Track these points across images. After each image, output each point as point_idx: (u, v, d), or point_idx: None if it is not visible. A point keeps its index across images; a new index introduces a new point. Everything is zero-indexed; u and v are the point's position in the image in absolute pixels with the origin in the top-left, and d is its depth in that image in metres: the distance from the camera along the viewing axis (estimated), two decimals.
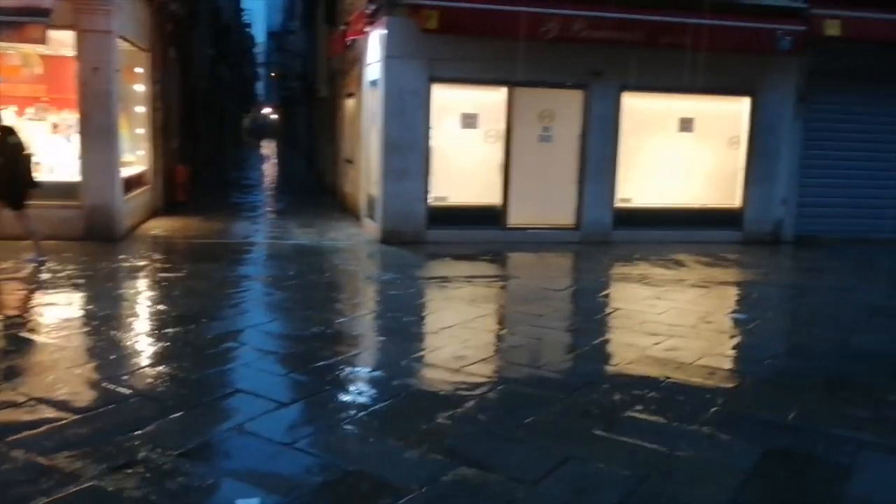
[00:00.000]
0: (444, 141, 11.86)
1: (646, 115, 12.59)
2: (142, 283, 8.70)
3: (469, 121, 12.04)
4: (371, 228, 12.50)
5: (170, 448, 4.14)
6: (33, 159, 9.47)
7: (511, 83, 11.82)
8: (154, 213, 13.97)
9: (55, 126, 11.27)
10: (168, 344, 6.19)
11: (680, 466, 4.17)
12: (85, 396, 4.95)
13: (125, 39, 11.69)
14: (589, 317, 8.00)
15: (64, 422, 4.47)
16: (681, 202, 12.89)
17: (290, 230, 13.18)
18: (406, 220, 11.68)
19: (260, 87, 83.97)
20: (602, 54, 11.70)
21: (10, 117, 10.30)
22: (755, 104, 12.73)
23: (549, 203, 12.38)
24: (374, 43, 12.20)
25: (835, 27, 11.87)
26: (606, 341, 6.98)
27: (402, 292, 8.68)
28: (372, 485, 3.87)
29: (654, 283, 9.37)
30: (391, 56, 11.33)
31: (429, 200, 11.79)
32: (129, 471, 3.88)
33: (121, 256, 9.96)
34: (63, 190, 10.85)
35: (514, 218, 12.17)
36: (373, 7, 11.81)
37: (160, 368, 5.53)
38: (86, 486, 3.72)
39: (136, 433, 4.32)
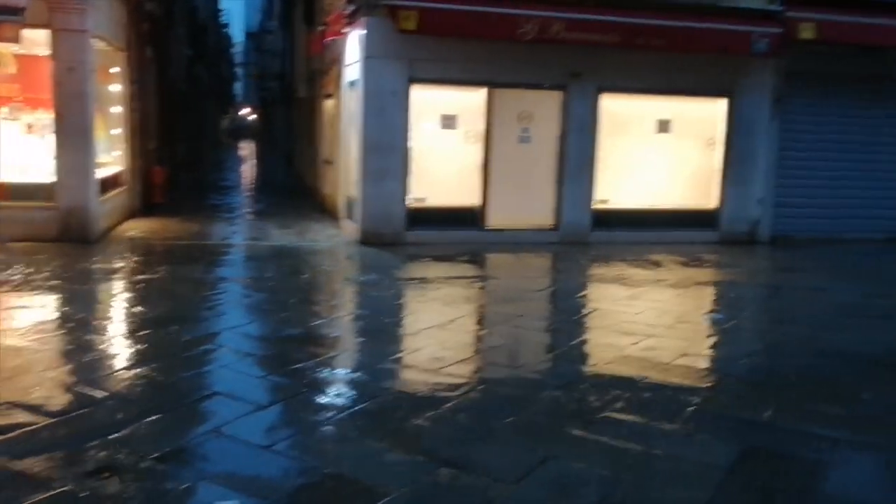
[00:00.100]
0: (423, 142, 11.85)
1: (624, 116, 12.66)
2: (118, 286, 8.61)
3: (448, 122, 12.05)
4: (350, 229, 12.46)
5: (146, 452, 4.10)
6: None
7: (490, 84, 11.84)
8: (131, 214, 13.84)
9: (29, 126, 11.12)
10: (144, 346, 6.14)
11: (658, 466, 4.19)
12: (59, 400, 4.89)
13: (101, 39, 11.57)
14: (567, 317, 8.03)
15: (37, 426, 4.41)
16: (658, 203, 12.98)
17: (268, 231, 13.11)
18: (385, 221, 11.66)
19: (238, 87, 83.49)
20: (580, 56, 11.76)
21: None
22: (732, 106, 12.84)
23: (528, 204, 12.42)
24: (353, 43, 12.17)
25: (809, 30, 12.00)
26: (585, 341, 7.00)
27: (382, 293, 8.67)
28: (351, 487, 3.86)
29: (632, 283, 9.42)
30: (370, 57, 11.31)
31: (408, 201, 11.78)
32: (104, 475, 3.83)
33: (96, 258, 9.86)
34: (37, 191, 10.72)
35: (493, 219, 12.18)
36: (352, 7, 11.78)
37: (136, 371, 5.48)
38: (59, 491, 3.67)
39: (111, 437, 4.27)
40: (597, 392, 5.32)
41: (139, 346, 6.16)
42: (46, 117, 10.80)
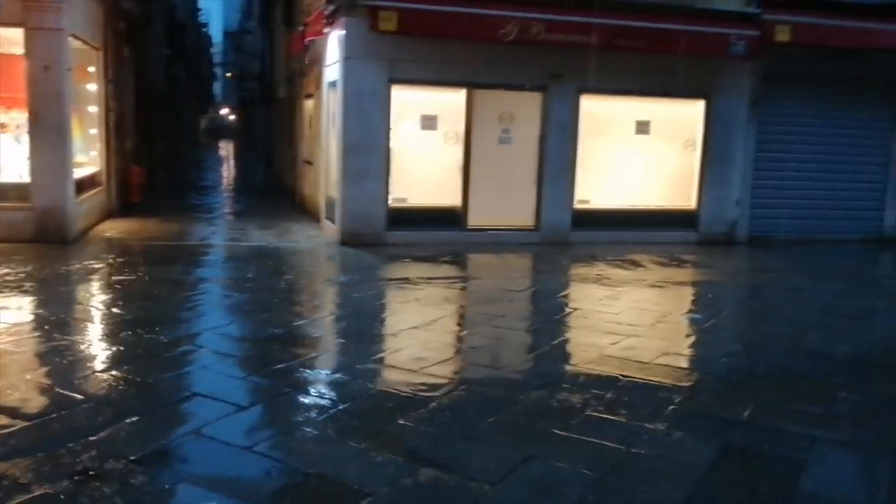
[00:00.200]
0: (403, 142, 11.84)
1: (603, 117, 12.72)
2: (95, 287, 8.52)
3: (429, 122, 12.05)
4: (330, 230, 12.42)
5: (125, 454, 4.06)
6: None
7: (470, 85, 11.85)
8: (108, 214, 13.70)
9: (4, 126, 10.99)
10: (123, 348, 6.07)
11: (639, 464, 4.22)
12: (36, 402, 4.83)
13: (77, 38, 11.45)
14: (549, 317, 8.05)
15: (14, 428, 4.35)
16: (638, 203, 13.06)
17: (248, 232, 13.04)
18: (366, 221, 11.63)
19: (217, 87, 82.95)
20: (560, 57, 11.80)
21: None
22: (710, 107, 12.95)
23: (509, 204, 12.44)
24: (333, 44, 12.14)
25: (785, 33, 12.13)
26: (566, 341, 7.03)
27: (363, 294, 8.64)
28: (332, 488, 3.85)
29: (613, 283, 9.47)
30: (350, 57, 11.28)
31: (388, 202, 11.76)
32: (82, 478, 3.79)
33: (73, 259, 9.75)
34: (13, 191, 10.60)
35: (474, 219, 12.20)
36: (331, 8, 11.74)
37: (114, 373, 5.42)
38: (37, 494, 3.63)
39: (89, 439, 4.22)
40: (578, 391, 5.34)
41: (117, 348, 6.10)
42: (21, 117, 10.67)
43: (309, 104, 16.00)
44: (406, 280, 9.45)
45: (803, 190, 13.61)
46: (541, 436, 4.55)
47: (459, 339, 7.19)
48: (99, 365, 5.69)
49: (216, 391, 5.13)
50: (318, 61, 13.97)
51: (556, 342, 6.92)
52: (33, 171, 10.56)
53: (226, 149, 56.31)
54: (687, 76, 12.54)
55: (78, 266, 9.38)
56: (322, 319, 7.56)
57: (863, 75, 13.38)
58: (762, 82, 12.97)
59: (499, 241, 12.04)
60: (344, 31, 11.23)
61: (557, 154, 12.32)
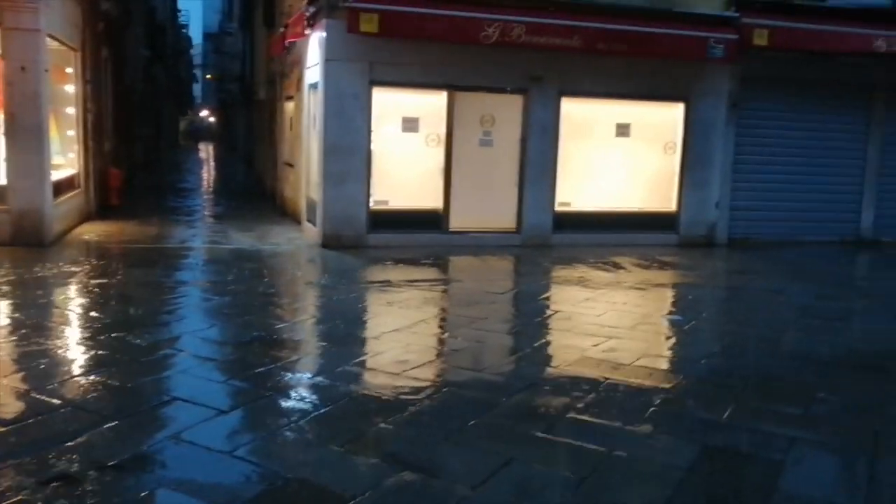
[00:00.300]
0: (384, 144, 11.82)
1: (584, 120, 12.78)
2: (73, 290, 8.43)
3: (410, 124, 12.04)
4: (311, 232, 12.38)
5: (103, 459, 4.01)
6: None
7: (451, 87, 11.86)
8: (86, 217, 13.57)
9: None
10: (101, 352, 6.01)
11: (620, 466, 4.23)
12: (12, 408, 4.76)
13: (54, 38, 11.34)
14: (530, 319, 8.07)
15: None
16: (618, 206, 13.12)
17: (228, 234, 12.95)
18: (347, 224, 11.60)
19: (197, 88, 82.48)
20: (541, 60, 11.84)
21: None
22: (689, 110, 13.04)
23: (491, 207, 12.46)
24: (314, 46, 12.10)
25: (762, 37, 12.25)
26: (547, 343, 7.04)
27: (344, 297, 8.62)
28: (313, 492, 3.83)
29: (594, 285, 9.51)
30: (331, 59, 11.26)
31: (370, 204, 11.74)
32: (59, 484, 3.75)
33: (50, 262, 9.64)
34: None
35: (456, 222, 12.20)
36: (312, 10, 11.71)
37: (92, 377, 5.37)
38: (14, 500, 3.57)
39: (66, 445, 4.17)
40: (559, 394, 5.36)
41: (96, 352, 6.03)
42: None
43: (290, 106, 15.94)
44: (387, 282, 9.43)
45: (782, 192, 13.75)
46: (522, 438, 4.55)
47: (441, 341, 7.19)
48: (77, 369, 5.62)
49: (196, 395, 5.08)
50: (298, 63, 13.93)
51: (537, 344, 6.93)
52: (10, 173, 10.44)
53: (206, 151, 55.97)
54: (667, 79, 12.64)
55: (55, 269, 9.28)
56: (303, 322, 7.52)
57: (839, 79, 13.54)
58: (741, 85, 13.09)
59: (480, 244, 12.05)
60: (325, 33, 11.20)
61: (538, 157, 12.36)
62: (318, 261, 10.86)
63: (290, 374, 5.64)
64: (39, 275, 8.92)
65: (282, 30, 15.17)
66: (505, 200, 12.45)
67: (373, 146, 11.63)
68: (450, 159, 12.04)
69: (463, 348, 6.71)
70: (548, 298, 9.23)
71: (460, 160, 12.09)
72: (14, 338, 6.33)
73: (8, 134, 10.36)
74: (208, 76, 70.13)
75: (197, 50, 72.99)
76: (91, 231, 12.50)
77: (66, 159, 12.90)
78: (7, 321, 6.97)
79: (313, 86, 12.34)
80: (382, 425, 4.65)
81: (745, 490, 4.07)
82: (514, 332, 7.52)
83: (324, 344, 6.80)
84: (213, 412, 4.79)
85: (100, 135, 15.11)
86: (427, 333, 7.26)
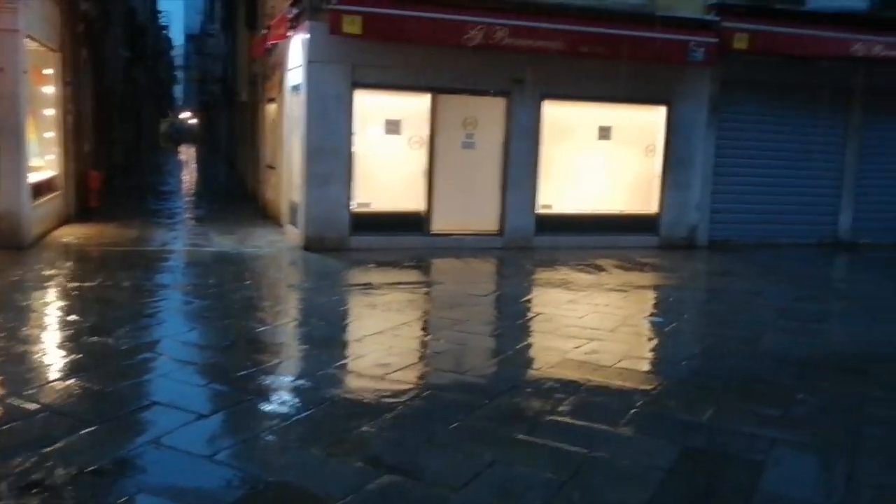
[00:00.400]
0: (367, 147, 11.80)
1: (566, 122, 12.82)
2: (51, 293, 8.33)
3: (392, 127, 12.02)
4: (293, 235, 12.33)
5: (81, 465, 3.97)
6: None
7: (435, 90, 11.86)
8: (65, 219, 13.44)
9: None
10: (80, 356, 5.96)
11: (601, 467, 4.25)
12: None
13: (33, 39, 11.22)
14: (512, 322, 8.08)
15: None
16: (600, 208, 13.17)
17: (209, 237, 12.87)
18: (329, 226, 11.57)
19: (178, 90, 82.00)
20: (524, 62, 11.88)
21: None
22: (670, 113, 13.12)
23: (473, 209, 12.47)
24: (297, 47, 12.07)
25: (742, 40, 12.36)
26: (529, 346, 7.06)
27: (326, 300, 8.59)
28: (295, 496, 3.81)
29: (575, 287, 9.54)
30: (313, 61, 11.23)
31: (352, 207, 11.71)
32: (36, 490, 3.71)
33: (29, 265, 9.54)
34: None
35: (438, 224, 12.20)
36: (295, 11, 11.67)
37: (71, 382, 5.31)
38: None
39: (43, 451, 4.12)
40: (541, 396, 5.37)
41: (74, 356, 5.97)
42: None
43: (272, 108, 15.88)
44: (370, 285, 9.42)
45: (761, 195, 13.86)
46: (504, 440, 4.56)
47: (423, 344, 7.18)
48: (55, 373, 5.56)
49: (176, 399, 5.05)
50: (280, 65, 13.88)
51: (519, 347, 6.94)
52: None
53: (187, 153, 55.64)
54: (648, 82, 12.71)
55: (33, 272, 9.18)
56: (285, 325, 7.49)
57: (818, 82, 13.68)
58: (721, 89, 13.18)
59: (462, 246, 12.06)
60: (307, 35, 11.17)
61: (521, 159, 12.39)
62: (299, 263, 10.82)
63: (271, 378, 5.61)
64: (17, 278, 8.83)
65: (264, 31, 15.12)
66: (487, 203, 12.47)
67: (355, 148, 11.60)
68: (432, 162, 12.04)
69: (445, 351, 6.70)
70: (530, 301, 9.25)
71: (443, 162, 12.09)
72: None
73: None
74: (190, 78, 69.73)
75: (178, 51, 72.57)
76: (70, 234, 12.38)
77: (44, 161, 12.76)
78: None
79: (295, 88, 12.30)
80: (364, 428, 4.64)
81: (725, 491, 4.10)
82: (497, 335, 7.52)
83: (305, 347, 6.77)
84: (193, 416, 4.76)
85: (79, 136, 14.98)
86: (409, 336, 7.25)
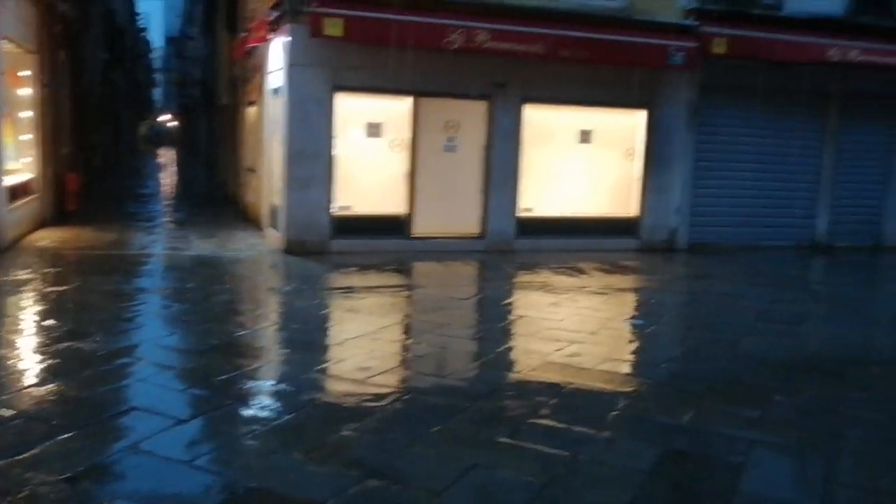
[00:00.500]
0: (348, 150, 11.78)
1: (547, 126, 12.86)
2: (28, 298, 8.22)
3: (374, 130, 12.01)
4: (274, 238, 12.27)
5: (57, 472, 3.92)
6: None
7: (416, 93, 11.86)
8: (42, 223, 13.29)
9: None
10: (57, 361, 5.88)
11: (582, 470, 4.26)
12: None
13: (9, 40, 11.10)
14: (494, 325, 8.09)
15: None
16: (581, 211, 13.22)
17: (189, 241, 12.77)
18: (310, 229, 11.53)
19: (158, 93, 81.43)
20: (505, 66, 11.90)
21: None
22: (651, 117, 13.20)
23: (454, 213, 12.48)
24: (277, 50, 12.02)
25: (721, 45, 12.47)
26: (511, 349, 7.06)
27: (306, 303, 8.55)
28: (276, 501, 3.78)
29: (556, 290, 9.56)
30: (294, 64, 11.19)
31: (333, 210, 11.67)
32: (11, 499, 3.65)
33: (4, 269, 9.41)
34: None
35: (420, 227, 12.19)
36: (275, 14, 11.63)
37: (47, 387, 5.25)
38: None
39: (18, 458, 4.07)
40: (523, 399, 5.37)
41: (51, 361, 5.90)
42: None
43: (252, 111, 15.81)
44: (351, 289, 9.39)
45: (740, 198, 13.98)
46: (486, 444, 4.56)
47: (405, 347, 7.17)
48: (31, 379, 5.49)
49: (155, 404, 5.00)
50: (261, 68, 13.82)
51: (500, 350, 6.95)
52: None
53: (166, 156, 55.24)
54: (628, 86, 12.77)
55: (9, 276, 9.06)
56: (265, 329, 7.45)
57: (795, 87, 13.80)
58: (701, 93, 13.29)
59: (444, 250, 12.05)
60: (288, 38, 11.13)
61: (502, 162, 12.41)
62: (280, 267, 10.77)
63: (251, 382, 5.57)
64: None
65: (244, 34, 15.05)
66: (469, 206, 12.48)
67: (336, 151, 11.57)
68: (414, 165, 12.03)
69: (426, 354, 6.70)
70: (511, 304, 9.26)
71: (424, 166, 12.09)
72: None
73: None
74: (170, 80, 69.26)
75: (158, 54, 72.08)
76: (47, 237, 12.24)
77: (20, 164, 12.62)
78: None
79: (276, 91, 12.25)
80: (346, 432, 4.62)
81: (706, 492, 4.12)
82: (478, 338, 7.53)
83: (286, 351, 6.74)
84: (172, 421, 4.71)
85: (57, 139, 14.82)
86: (390, 340, 7.24)
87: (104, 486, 3.89)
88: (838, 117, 14.30)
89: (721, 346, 7.20)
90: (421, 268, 11.17)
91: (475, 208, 12.50)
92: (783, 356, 6.93)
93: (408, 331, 7.78)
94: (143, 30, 55.17)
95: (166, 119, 78.66)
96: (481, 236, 12.53)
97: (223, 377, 5.59)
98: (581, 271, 11.02)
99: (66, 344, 6.28)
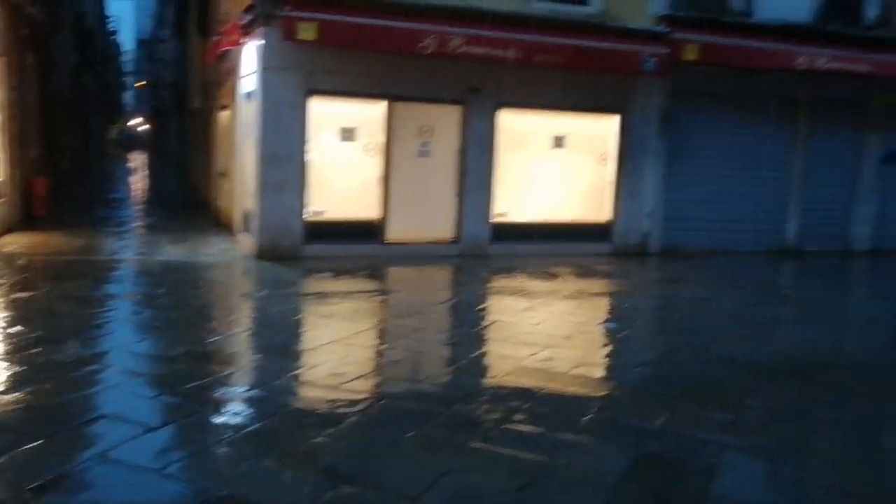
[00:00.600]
0: (322, 154, 11.72)
1: (521, 131, 12.90)
2: None
3: (347, 134, 11.97)
4: (246, 244, 12.17)
5: (24, 481, 3.85)
6: None
7: (390, 97, 11.84)
8: (9, 228, 13.06)
9: None
10: (24, 368, 5.77)
11: (556, 474, 4.26)
12: None
13: None
14: (468, 330, 8.08)
15: None
16: (554, 216, 13.28)
17: (160, 246, 12.63)
18: (283, 234, 11.45)
19: (129, 96, 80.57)
20: (479, 71, 11.92)
21: None
22: (623, 122, 13.29)
23: (429, 217, 12.46)
24: (250, 54, 11.94)
25: (693, 52, 12.60)
26: (485, 354, 7.06)
27: (279, 309, 8.49)
28: None
29: (530, 295, 9.58)
30: (267, 68, 11.12)
31: (306, 215, 11.61)
32: None
33: None
34: None
35: (394, 232, 12.16)
36: (248, 17, 11.55)
37: (14, 395, 5.14)
38: None
39: None
40: (497, 404, 5.37)
41: (18, 368, 5.78)
42: None
43: (224, 115, 15.69)
44: (324, 294, 9.34)
45: (712, 203, 14.12)
46: (459, 449, 4.55)
47: (378, 353, 7.14)
48: None
49: (125, 412, 4.93)
50: (234, 72, 13.72)
51: (474, 355, 6.94)
52: None
53: (137, 160, 54.62)
54: (601, 92, 12.87)
55: None
56: (237, 335, 7.38)
57: (766, 93, 14.01)
58: (673, 99, 13.41)
59: (418, 255, 12.03)
60: (261, 42, 11.06)
61: (476, 167, 12.43)
62: (252, 272, 10.68)
63: (223, 389, 5.51)
64: None
65: (216, 38, 14.94)
66: (443, 211, 12.48)
67: (310, 156, 11.51)
68: (388, 170, 12.01)
69: (400, 359, 6.67)
70: (485, 309, 9.27)
71: (398, 171, 12.07)
72: None
73: None
74: (140, 83, 68.55)
75: (128, 57, 71.34)
76: (14, 242, 12.03)
77: None
78: None
79: (249, 95, 12.16)
80: (319, 438, 4.59)
81: (678, 495, 4.14)
82: (452, 343, 7.52)
83: (259, 357, 6.68)
84: (142, 429, 4.64)
85: (24, 142, 14.59)
86: (364, 345, 7.21)
87: (71, 497, 3.82)
88: (808, 124, 14.52)
89: (694, 349, 7.25)
90: (395, 273, 11.15)
91: (449, 213, 12.50)
92: (755, 359, 6.99)
93: (382, 336, 7.75)
94: (114, 32, 54.61)
95: (137, 123, 77.85)
96: (455, 241, 12.53)
97: (195, 384, 5.52)
98: (555, 276, 11.05)
99: (33, 351, 6.17)
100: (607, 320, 8.98)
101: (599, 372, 6.66)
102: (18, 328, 7.04)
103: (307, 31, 10.43)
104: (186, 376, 5.69)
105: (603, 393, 5.81)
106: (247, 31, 11.70)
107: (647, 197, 13.57)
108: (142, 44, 66.30)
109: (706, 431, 5.01)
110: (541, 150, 13.17)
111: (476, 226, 12.56)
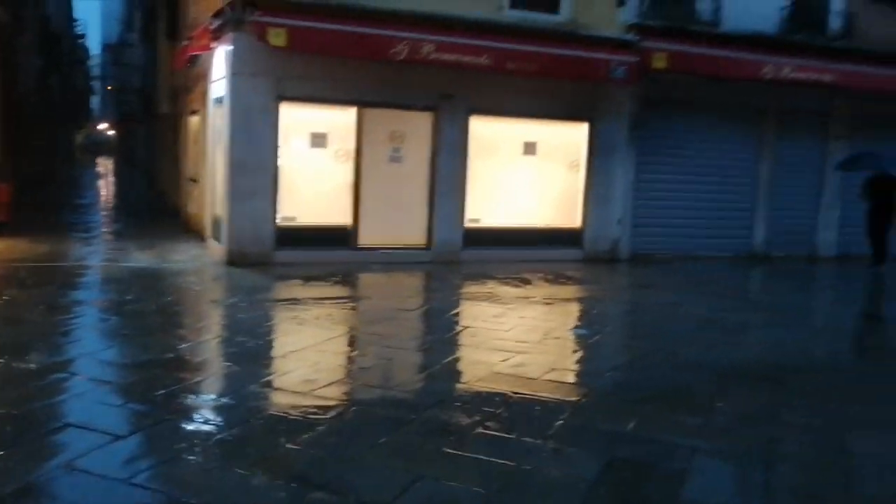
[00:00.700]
0: (292, 160, 11.66)
1: (492, 138, 12.95)
2: None
3: (318, 140, 11.92)
4: (216, 250, 12.06)
5: None
6: None
7: (361, 103, 11.82)
8: None
9: None
10: None
11: (528, 480, 4.26)
12: None
13: None
14: (440, 336, 8.07)
15: None
16: (526, 222, 13.34)
17: (128, 252, 12.46)
18: (253, 241, 11.36)
19: (95, 101, 79.53)
20: (451, 78, 11.95)
21: None
22: (593, 130, 13.40)
23: (400, 223, 12.45)
24: (220, 59, 11.86)
25: (661, 60, 12.75)
26: (457, 359, 7.06)
27: (249, 315, 8.41)
28: None
29: (502, 301, 9.60)
30: (237, 73, 11.05)
31: (277, 221, 11.53)
32: None
33: None
34: None
35: (365, 238, 12.13)
36: (218, 22, 11.47)
37: None
38: None
39: None
40: (469, 410, 5.36)
41: None
42: None
43: (194, 120, 15.55)
44: (295, 300, 9.27)
45: (680, 210, 14.29)
46: (432, 455, 4.53)
47: (350, 359, 7.10)
48: None
49: (91, 420, 4.84)
50: (203, 77, 13.61)
51: (446, 361, 6.93)
52: None
53: (104, 165, 53.92)
54: (572, 99, 12.97)
55: None
56: (207, 342, 7.30)
57: (733, 101, 14.22)
58: (642, 107, 13.56)
59: (390, 261, 12.01)
60: (231, 47, 10.99)
61: (448, 173, 12.44)
62: (222, 279, 10.58)
63: (193, 396, 5.45)
64: None
65: (186, 42, 14.80)
66: (415, 217, 12.47)
67: (280, 162, 11.45)
68: (359, 175, 11.98)
69: (372, 366, 6.64)
70: (457, 314, 9.27)
71: (370, 176, 12.05)
72: None
73: None
74: (108, 88, 67.66)
75: (95, 61, 70.41)
76: None
77: None
78: None
79: (219, 100, 12.07)
80: (290, 446, 4.55)
81: (649, 500, 4.16)
82: (424, 349, 7.50)
83: (228, 364, 6.60)
84: (109, 438, 4.57)
85: None
86: (335, 352, 7.17)
87: None
88: (774, 132, 14.77)
89: (664, 354, 7.31)
90: (366, 279, 11.11)
91: (421, 219, 12.50)
92: (725, 364, 7.07)
93: (353, 342, 7.71)
94: (81, 36, 53.87)
95: (104, 128, 76.85)
96: (427, 247, 12.53)
97: (163, 391, 5.45)
98: (526, 281, 11.09)
99: None
100: (578, 326, 9.03)
101: (571, 377, 6.69)
102: None
103: (277, 38, 10.38)
104: (155, 384, 5.61)
105: (574, 398, 5.83)
106: (217, 35, 11.61)
107: (616, 204, 13.68)
108: (109, 48, 65.47)
109: (677, 436, 5.04)
110: (512, 156, 13.23)
111: (448, 231, 12.57)
